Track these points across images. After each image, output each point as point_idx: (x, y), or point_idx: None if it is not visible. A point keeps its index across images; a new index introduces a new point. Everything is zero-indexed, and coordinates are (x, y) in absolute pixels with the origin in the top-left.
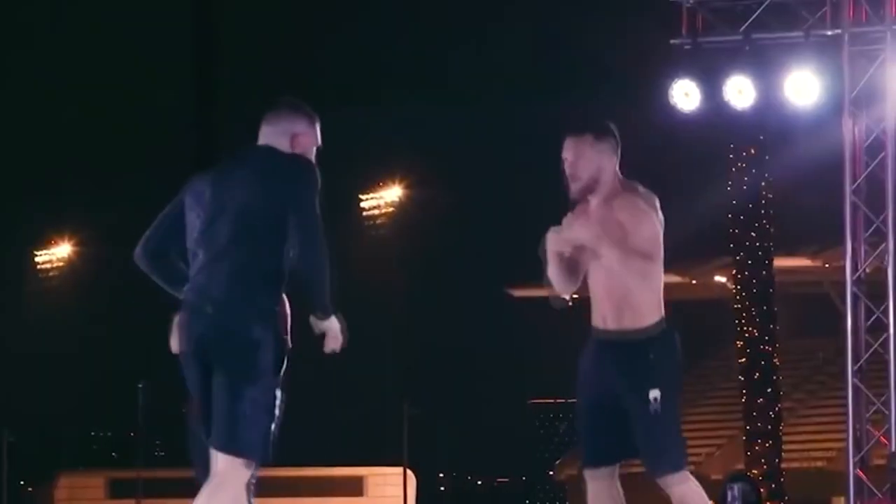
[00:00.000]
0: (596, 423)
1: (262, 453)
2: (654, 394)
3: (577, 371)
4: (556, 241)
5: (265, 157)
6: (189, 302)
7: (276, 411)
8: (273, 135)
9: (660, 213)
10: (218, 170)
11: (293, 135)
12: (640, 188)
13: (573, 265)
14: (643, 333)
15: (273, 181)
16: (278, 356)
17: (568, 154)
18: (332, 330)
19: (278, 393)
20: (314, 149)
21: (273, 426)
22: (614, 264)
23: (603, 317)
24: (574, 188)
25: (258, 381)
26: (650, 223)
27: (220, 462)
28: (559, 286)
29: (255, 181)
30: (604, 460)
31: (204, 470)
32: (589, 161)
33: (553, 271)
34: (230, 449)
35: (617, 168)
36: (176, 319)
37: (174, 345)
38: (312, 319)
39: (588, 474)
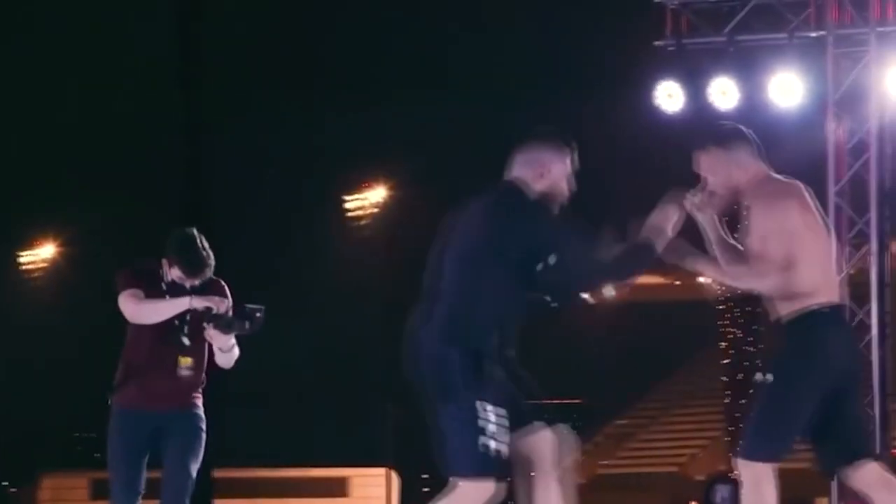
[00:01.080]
0: None
1: (479, 467)
2: (769, 376)
3: None
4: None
5: (493, 192)
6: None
7: (488, 424)
8: (520, 164)
9: (798, 205)
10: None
11: (539, 163)
12: (771, 186)
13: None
14: (789, 320)
15: (488, 217)
16: (472, 372)
17: (700, 170)
18: None
19: (487, 406)
20: (564, 178)
21: (488, 440)
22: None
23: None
24: (724, 202)
25: (452, 398)
26: (757, 229)
27: (459, 483)
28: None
29: (473, 216)
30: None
31: None
32: (718, 173)
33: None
34: (452, 472)
35: (755, 166)
36: None
37: None
38: None
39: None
